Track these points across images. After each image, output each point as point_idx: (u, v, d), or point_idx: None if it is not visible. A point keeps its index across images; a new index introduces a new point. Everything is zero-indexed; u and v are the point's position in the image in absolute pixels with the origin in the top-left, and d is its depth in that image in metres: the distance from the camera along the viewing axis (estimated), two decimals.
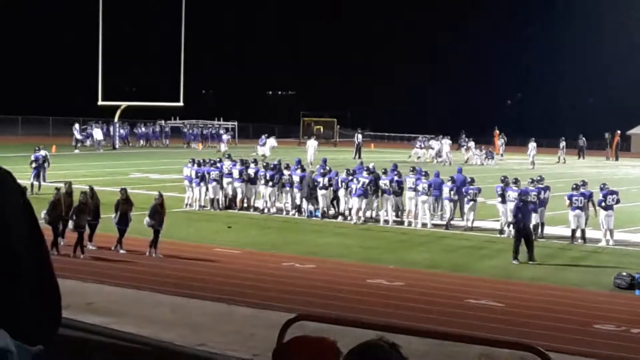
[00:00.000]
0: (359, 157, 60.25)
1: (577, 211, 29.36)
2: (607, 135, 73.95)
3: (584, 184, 30.48)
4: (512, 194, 30.44)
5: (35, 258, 2.31)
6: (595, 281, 23.84)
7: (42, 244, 2.41)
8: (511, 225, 28.40)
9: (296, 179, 34.81)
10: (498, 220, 31.39)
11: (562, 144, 67.35)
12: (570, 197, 29.70)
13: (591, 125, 78.74)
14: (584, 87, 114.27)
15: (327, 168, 35.73)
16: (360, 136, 67.61)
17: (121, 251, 25.90)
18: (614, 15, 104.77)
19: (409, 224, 32.90)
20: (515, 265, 25.86)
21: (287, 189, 34.97)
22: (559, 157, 67.48)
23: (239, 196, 36.00)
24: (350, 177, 33.92)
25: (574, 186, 30.13)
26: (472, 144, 65.77)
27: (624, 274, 23.15)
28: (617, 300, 21.81)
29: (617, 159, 71.32)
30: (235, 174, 35.94)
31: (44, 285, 2.33)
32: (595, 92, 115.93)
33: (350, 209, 33.74)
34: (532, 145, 63.18)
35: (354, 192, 33.37)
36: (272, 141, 63.81)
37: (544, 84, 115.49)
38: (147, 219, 25.91)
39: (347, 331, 3.28)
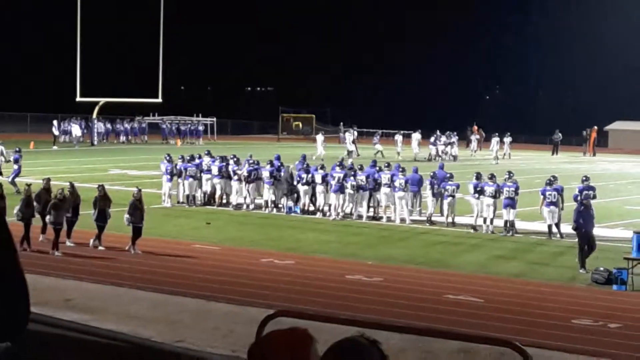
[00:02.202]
0: (357, 154, 60.15)
1: (552, 207, 29.49)
2: (585, 132, 74.18)
3: (556, 179, 30.67)
4: (488, 189, 30.65)
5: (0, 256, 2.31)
6: (572, 276, 23.95)
7: (9, 242, 2.40)
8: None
9: (266, 174, 34.74)
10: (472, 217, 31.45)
11: (508, 139, 66.08)
12: (543, 193, 29.84)
13: (569, 121, 78.99)
14: (562, 84, 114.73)
15: (306, 164, 35.71)
16: (355, 132, 65.99)
17: (100, 247, 25.83)
18: (593, 10, 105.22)
19: (388, 219, 32.95)
20: (487, 259, 25.92)
21: (266, 185, 34.93)
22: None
23: (218, 192, 35.94)
24: (327, 173, 34.06)
25: (547, 181, 30.28)
26: (454, 139, 64.80)
27: (601, 269, 23.27)
28: (594, 295, 21.92)
29: (594, 155, 71.61)
30: (215, 170, 35.90)
31: (9, 283, 2.32)
32: (573, 87, 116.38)
33: (329, 205, 33.77)
34: (494, 140, 63.53)
35: (331, 188, 33.42)
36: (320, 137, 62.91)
37: (521, 80, 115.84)
38: (126, 216, 25.85)
39: (326, 327, 3.29)
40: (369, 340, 3.14)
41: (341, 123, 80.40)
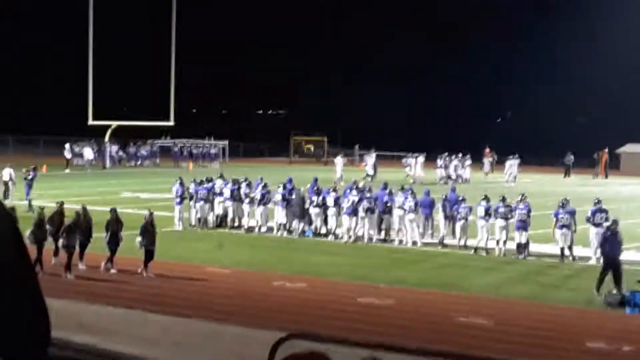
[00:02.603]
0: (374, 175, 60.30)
1: (564, 229, 29.39)
2: (595, 154, 74.01)
3: (568, 201, 30.59)
4: (501, 210, 30.67)
5: (21, 280, 2.33)
6: (585, 299, 23.85)
7: (29, 266, 2.44)
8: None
9: (278, 197, 34.79)
10: (491, 239, 31.27)
11: (515, 161, 65.95)
12: (556, 215, 29.76)
13: (580, 144, 78.84)
14: (573, 106, 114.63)
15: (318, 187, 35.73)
16: (374, 155, 66.00)
17: (112, 270, 25.84)
18: (605, 32, 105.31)
19: (400, 242, 32.92)
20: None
21: (279, 208, 34.92)
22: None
23: (230, 215, 35.97)
24: (339, 196, 34.14)
25: (560, 204, 30.20)
26: (468, 161, 64.91)
27: (614, 292, 23.18)
28: (608, 318, 21.84)
29: (606, 177, 71.47)
30: (227, 193, 35.97)
31: (31, 306, 2.35)
32: (584, 110, 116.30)
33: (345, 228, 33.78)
34: (508, 163, 63.81)
35: (344, 210, 33.43)
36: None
37: (533, 103, 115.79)
38: (138, 238, 25.87)
39: (340, 350, 3.28)
40: None
41: (356, 145, 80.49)
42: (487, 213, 30.93)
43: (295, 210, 34.72)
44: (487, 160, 68.69)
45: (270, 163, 79.80)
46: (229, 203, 35.94)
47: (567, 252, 29.58)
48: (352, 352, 3.39)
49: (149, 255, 25.66)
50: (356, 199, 33.21)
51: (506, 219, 30.53)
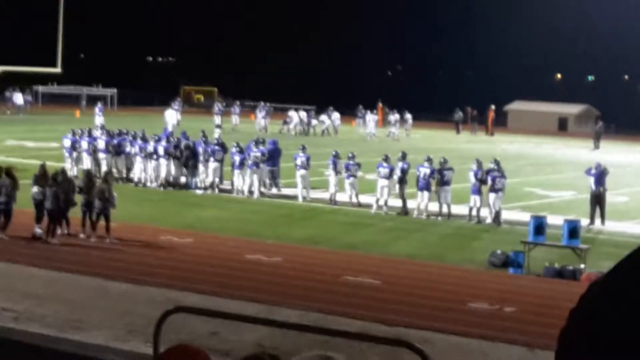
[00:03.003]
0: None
1: (500, 193, 29.46)
2: (457, 112, 74.34)
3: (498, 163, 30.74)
4: (381, 170, 30.90)
5: None
6: (471, 259, 24.21)
7: None
8: None
9: (160, 150, 34.45)
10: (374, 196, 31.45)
11: (403, 116, 66.44)
12: (493, 179, 29.70)
13: (469, 99, 79.83)
14: (463, 61, 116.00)
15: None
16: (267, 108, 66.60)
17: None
18: None
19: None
20: (382, 241, 26.04)
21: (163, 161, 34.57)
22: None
23: (104, 168, 35.21)
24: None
25: (495, 167, 30.25)
26: (396, 116, 65.08)
27: (499, 251, 23.58)
28: (491, 279, 22.21)
29: (492, 134, 72.46)
30: (101, 145, 35.54)
31: None
32: (474, 66, 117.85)
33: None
34: (393, 118, 64.14)
35: (237, 164, 33.33)
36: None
37: (423, 58, 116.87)
38: (34, 189, 24.85)
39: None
40: (270, 356, 3.12)
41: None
42: (391, 174, 31.01)
43: (183, 162, 34.43)
44: (370, 117, 67.01)
45: (160, 113, 78.82)
46: (102, 155, 35.45)
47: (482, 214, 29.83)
48: (238, 324, 3.34)
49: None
50: (259, 153, 33.31)
51: (387, 178, 30.75)
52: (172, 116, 56.71)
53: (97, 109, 60.76)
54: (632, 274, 1.56)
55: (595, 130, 65.24)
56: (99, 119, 55.54)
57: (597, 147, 62.18)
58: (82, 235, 24.44)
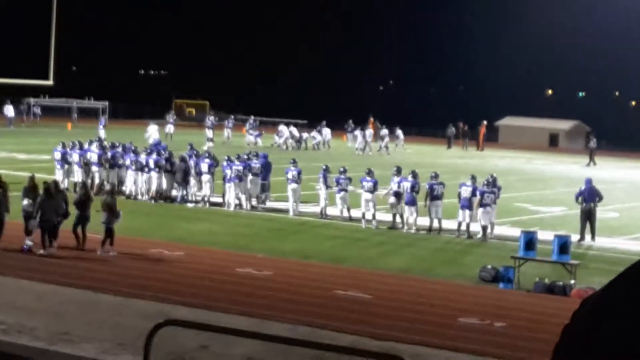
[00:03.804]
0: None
1: (488, 208, 29.41)
2: (449, 128, 74.53)
3: (494, 179, 30.73)
4: (366, 184, 30.97)
5: None
6: (461, 274, 24.23)
7: None
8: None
9: (151, 163, 34.45)
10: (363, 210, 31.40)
11: (394, 132, 66.77)
12: (482, 194, 29.72)
13: (460, 115, 80.00)
14: (454, 77, 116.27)
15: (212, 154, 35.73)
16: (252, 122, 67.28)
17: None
18: (491, 13, 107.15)
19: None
20: (372, 256, 26.09)
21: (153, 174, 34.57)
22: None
23: (97, 181, 35.27)
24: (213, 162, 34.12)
25: (485, 182, 30.24)
26: (385, 131, 65.25)
27: (489, 266, 23.61)
28: (481, 294, 22.23)
29: (482, 150, 72.59)
30: (94, 158, 35.52)
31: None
32: (465, 82, 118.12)
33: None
34: (359, 132, 64.20)
35: (228, 178, 33.33)
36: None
37: (416, 72, 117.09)
38: (25, 202, 24.76)
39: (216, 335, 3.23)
40: None
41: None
42: (375, 188, 31.06)
43: (178, 176, 34.44)
44: (368, 132, 67.10)
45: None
46: (95, 168, 35.44)
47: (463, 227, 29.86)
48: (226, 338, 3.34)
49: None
50: (241, 167, 33.27)
51: (371, 192, 30.83)
52: (154, 130, 56.69)
53: (100, 122, 61.11)
54: (625, 291, 1.57)
55: (590, 146, 65.36)
56: (101, 132, 55.76)
57: (593, 163, 62.33)
58: (99, 252, 24.33)
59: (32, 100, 77.41)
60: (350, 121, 70.27)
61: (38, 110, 75.92)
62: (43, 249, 23.74)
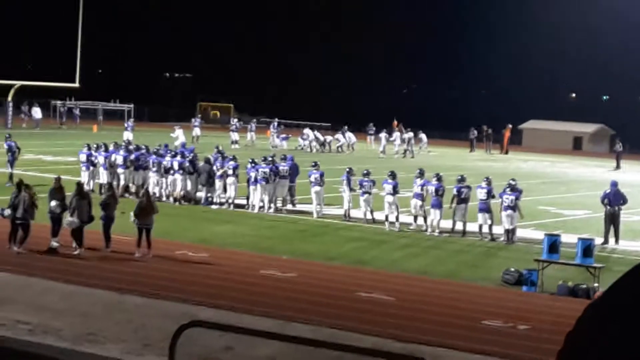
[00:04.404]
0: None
1: (509, 211, 29.42)
2: (472, 131, 74.41)
3: (515, 183, 30.70)
4: (386, 187, 31.05)
5: None
6: (484, 276, 24.26)
7: None
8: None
9: (175, 165, 34.64)
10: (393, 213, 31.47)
11: (417, 135, 66.77)
12: (501, 196, 29.80)
13: (483, 118, 79.90)
14: (477, 80, 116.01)
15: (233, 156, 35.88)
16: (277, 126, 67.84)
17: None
18: (512, 14, 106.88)
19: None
20: (396, 258, 26.19)
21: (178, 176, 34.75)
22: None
23: (122, 183, 35.51)
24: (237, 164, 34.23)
25: (507, 186, 30.21)
26: (409, 134, 65.37)
27: (512, 269, 23.64)
28: (504, 296, 22.26)
29: (507, 153, 72.50)
30: (119, 160, 35.75)
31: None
32: (488, 85, 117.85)
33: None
34: (382, 135, 64.13)
35: (252, 180, 33.50)
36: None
37: (442, 75, 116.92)
38: (52, 203, 24.95)
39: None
40: None
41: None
42: (395, 190, 31.13)
43: (202, 179, 34.63)
44: (396, 134, 67.04)
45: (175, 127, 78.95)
46: (121, 170, 35.66)
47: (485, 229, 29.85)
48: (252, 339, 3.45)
49: (58, 222, 25.03)
50: (267, 169, 33.40)
51: (393, 194, 30.91)
52: (181, 133, 56.87)
53: (127, 125, 61.39)
54: (626, 296, 1.63)
55: (615, 150, 65.07)
56: (127, 134, 56.02)
57: (618, 166, 62.12)
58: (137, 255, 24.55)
59: (57, 103, 77.85)
60: (372, 124, 70.57)
61: (77, 112, 76.55)
62: (78, 248, 24.03)
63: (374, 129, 69.84)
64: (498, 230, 29.77)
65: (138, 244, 24.42)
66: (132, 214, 24.79)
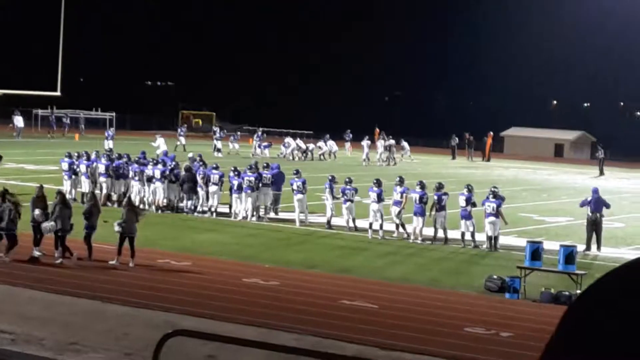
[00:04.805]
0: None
1: (492, 218, 29.40)
2: (453, 138, 74.66)
3: (497, 190, 30.75)
4: (371, 194, 31.06)
5: None
6: (467, 284, 24.30)
7: None
8: None
9: (157, 173, 34.55)
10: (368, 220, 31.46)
11: (400, 142, 67.00)
12: (484, 204, 29.86)
13: (468, 126, 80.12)
14: (462, 89, 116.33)
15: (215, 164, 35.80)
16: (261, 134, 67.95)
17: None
18: (496, 20, 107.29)
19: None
20: (378, 266, 26.21)
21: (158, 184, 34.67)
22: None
23: (104, 191, 35.39)
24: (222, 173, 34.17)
25: (489, 193, 30.23)
26: (391, 141, 65.49)
27: (495, 277, 23.68)
28: (487, 303, 22.30)
29: (489, 160, 72.74)
30: (101, 169, 35.66)
31: None
32: (473, 94, 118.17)
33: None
34: (365, 142, 64.16)
35: (235, 188, 33.47)
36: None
37: (423, 83, 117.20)
38: (36, 212, 24.80)
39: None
40: None
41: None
42: (380, 198, 31.13)
43: (185, 187, 34.58)
44: (379, 142, 66.96)
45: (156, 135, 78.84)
46: (103, 179, 35.58)
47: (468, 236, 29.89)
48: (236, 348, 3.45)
49: (38, 230, 24.92)
50: (252, 178, 33.38)
51: (377, 202, 30.97)
52: (162, 142, 56.68)
53: (107, 133, 61.22)
54: (619, 281, 1.65)
55: (598, 157, 65.31)
56: (107, 143, 55.96)
57: (602, 173, 62.36)
58: (112, 262, 24.44)
59: (39, 111, 77.62)
60: (349, 130, 71.01)
61: (67, 121, 76.43)
62: (62, 257, 23.94)
63: (351, 135, 70.47)
64: (481, 237, 29.83)
65: (119, 251, 24.33)
66: (116, 223, 24.63)
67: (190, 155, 39.06)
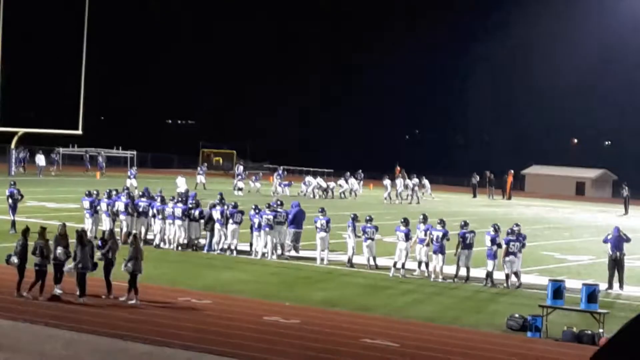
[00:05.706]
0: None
1: (511, 257, 29.42)
2: (474, 177, 74.51)
3: (518, 228, 30.63)
4: (399, 233, 31.06)
5: None
6: (489, 322, 24.17)
7: None
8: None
9: (178, 212, 34.59)
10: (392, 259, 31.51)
11: (421, 181, 66.86)
12: (507, 242, 29.77)
13: (489, 164, 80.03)
14: (481, 125, 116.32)
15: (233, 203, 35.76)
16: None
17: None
18: (516, 56, 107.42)
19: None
20: (399, 304, 26.09)
21: (179, 222, 34.69)
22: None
23: (124, 229, 35.46)
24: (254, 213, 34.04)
25: (509, 231, 30.23)
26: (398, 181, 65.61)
27: (517, 315, 23.56)
28: (509, 342, 22.15)
29: (510, 198, 72.58)
30: (121, 207, 35.71)
31: None
32: (492, 130, 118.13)
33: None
34: (387, 182, 64.07)
35: (256, 226, 33.47)
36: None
37: (441, 121, 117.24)
38: (58, 251, 24.88)
39: None
40: None
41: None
42: (408, 237, 31.11)
43: (205, 226, 34.62)
44: (399, 181, 67.00)
45: (178, 174, 79.17)
46: (123, 217, 35.58)
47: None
48: None
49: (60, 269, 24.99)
50: (271, 216, 33.38)
51: (405, 240, 30.91)
52: (183, 182, 56.80)
53: (130, 172, 61.32)
54: (630, 341, 1.64)
55: (623, 195, 65.04)
56: (129, 181, 56.21)
57: (627, 212, 62.14)
58: (122, 299, 24.45)
59: (60, 150, 78.04)
60: (360, 170, 71.04)
61: (87, 158, 77.18)
62: (80, 295, 23.96)
63: (362, 175, 70.68)
64: (502, 276, 29.69)
65: (129, 289, 24.36)
66: (125, 260, 24.64)
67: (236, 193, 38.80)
